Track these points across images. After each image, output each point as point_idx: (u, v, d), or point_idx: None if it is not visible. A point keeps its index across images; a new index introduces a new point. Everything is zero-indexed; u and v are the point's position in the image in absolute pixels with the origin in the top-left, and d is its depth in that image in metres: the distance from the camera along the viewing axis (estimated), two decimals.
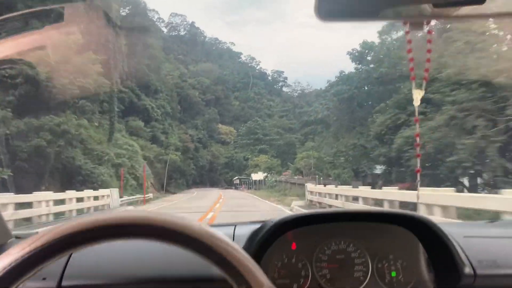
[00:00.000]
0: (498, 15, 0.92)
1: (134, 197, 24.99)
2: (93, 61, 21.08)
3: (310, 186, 18.75)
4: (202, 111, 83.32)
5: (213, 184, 70.19)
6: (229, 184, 64.54)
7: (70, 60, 19.09)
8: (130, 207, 19.65)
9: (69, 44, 17.41)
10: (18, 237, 1.28)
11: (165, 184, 40.62)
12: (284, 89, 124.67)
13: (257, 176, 52.50)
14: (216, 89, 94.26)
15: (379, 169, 28.13)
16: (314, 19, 0.80)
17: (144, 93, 43.49)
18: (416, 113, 1.41)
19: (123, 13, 49.74)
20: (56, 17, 1.40)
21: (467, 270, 1.14)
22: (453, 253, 1.16)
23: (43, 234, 0.57)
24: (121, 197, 21.62)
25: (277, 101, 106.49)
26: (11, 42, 1.23)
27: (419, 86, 1.13)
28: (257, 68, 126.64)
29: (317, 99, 62.57)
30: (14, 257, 0.55)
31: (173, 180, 46.18)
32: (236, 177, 62.51)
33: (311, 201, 17.08)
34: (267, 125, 74.94)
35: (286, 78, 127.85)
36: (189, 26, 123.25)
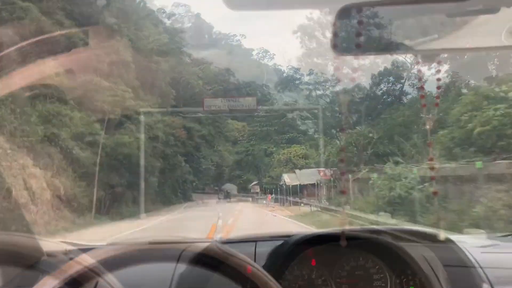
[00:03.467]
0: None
1: None
2: None
3: None
4: None
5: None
6: (244, 193, 42.24)
7: None
8: None
9: None
10: (49, 255, 1.29)
11: (93, 198, 17.08)
12: (301, 86, 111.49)
13: (294, 178, 29.35)
14: (224, 79, 76.90)
15: None
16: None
17: (70, 18, 22.42)
18: (429, 136, 1.83)
19: None
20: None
21: (485, 286, 1.14)
22: (471, 269, 1.16)
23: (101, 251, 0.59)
24: None
25: (295, 98, 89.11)
26: (41, 65, 1.96)
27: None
28: (270, 64, 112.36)
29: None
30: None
31: (120, 191, 20.74)
32: (255, 182, 40.12)
33: None
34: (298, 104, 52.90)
35: (303, 74, 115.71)
36: (194, 18, 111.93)
